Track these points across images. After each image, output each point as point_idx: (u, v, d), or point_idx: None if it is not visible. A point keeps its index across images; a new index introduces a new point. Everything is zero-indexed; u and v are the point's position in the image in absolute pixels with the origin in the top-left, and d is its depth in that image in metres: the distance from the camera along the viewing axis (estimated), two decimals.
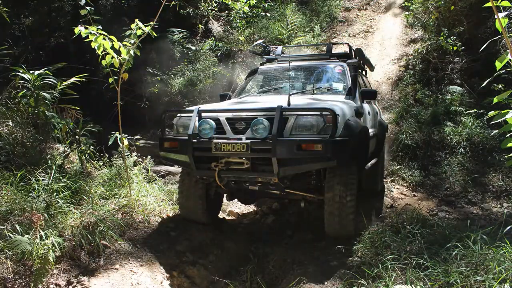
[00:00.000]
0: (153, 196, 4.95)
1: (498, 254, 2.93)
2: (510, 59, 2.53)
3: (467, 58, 8.78)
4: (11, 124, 4.92)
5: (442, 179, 6.55)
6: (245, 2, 10.74)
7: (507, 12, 2.67)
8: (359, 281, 3.05)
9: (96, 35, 4.06)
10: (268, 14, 11.57)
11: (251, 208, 5.84)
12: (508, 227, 3.27)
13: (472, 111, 7.29)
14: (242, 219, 5.50)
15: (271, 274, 4.00)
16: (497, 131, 4.00)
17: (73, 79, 5.45)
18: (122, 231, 4.03)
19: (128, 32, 4.37)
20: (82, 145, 5.46)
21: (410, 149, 7.24)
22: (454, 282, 2.75)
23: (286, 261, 4.02)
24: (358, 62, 5.44)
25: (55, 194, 3.99)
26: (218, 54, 10.59)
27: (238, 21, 11.17)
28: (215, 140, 3.76)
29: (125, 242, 3.87)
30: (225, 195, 4.91)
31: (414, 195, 6.33)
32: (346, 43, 6.34)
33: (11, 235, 3.24)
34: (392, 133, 7.86)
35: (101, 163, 5.43)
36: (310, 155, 3.54)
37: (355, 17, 13.31)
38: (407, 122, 7.88)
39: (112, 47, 4.16)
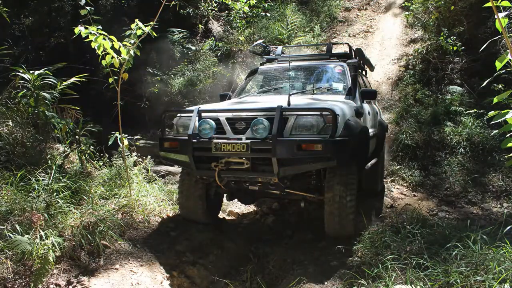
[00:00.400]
0: (153, 196, 4.95)
1: (498, 254, 2.93)
2: (510, 59, 2.53)
3: (467, 58, 8.78)
4: (11, 124, 4.92)
5: (442, 179, 6.55)
6: (245, 2, 10.74)
7: (507, 12, 2.67)
8: (359, 281, 3.05)
9: (96, 35, 4.06)
10: (268, 14, 11.57)
11: (251, 208, 5.83)
12: (508, 227, 3.27)
13: (472, 111, 7.29)
14: (242, 219, 5.50)
15: (271, 274, 4.00)
16: (497, 131, 4.00)
17: (73, 79, 5.45)
18: (122, 231, 4.04)
19: (128, 32, 4.37)
20: (82, 145, 5.46)
21: (410, 149, 7.24)
22: (454, 282, 2.75)
23: (286, 261, 4.02)
24: (358, 62, 5.44)
25: (55, 194, 3.99)
26: (218, 54, 10.59)
27: (238, 21, 11.16)
28: (215, 140, 3.76)
29: (125, 242, 3.87)
30: (225, 195, 4.91)
31: (414, 195, 6.32)
32: (346, 43, 6.33)
33: (11, 235, 3.24)
34: (392, 133, 7.86)
35: (101, 163, 5.44)
36: (310, 155, 3.54)
37: (355, 17, 13.31)
38: (407, 122, 7.88)
39: (112, 47, 4.17)
